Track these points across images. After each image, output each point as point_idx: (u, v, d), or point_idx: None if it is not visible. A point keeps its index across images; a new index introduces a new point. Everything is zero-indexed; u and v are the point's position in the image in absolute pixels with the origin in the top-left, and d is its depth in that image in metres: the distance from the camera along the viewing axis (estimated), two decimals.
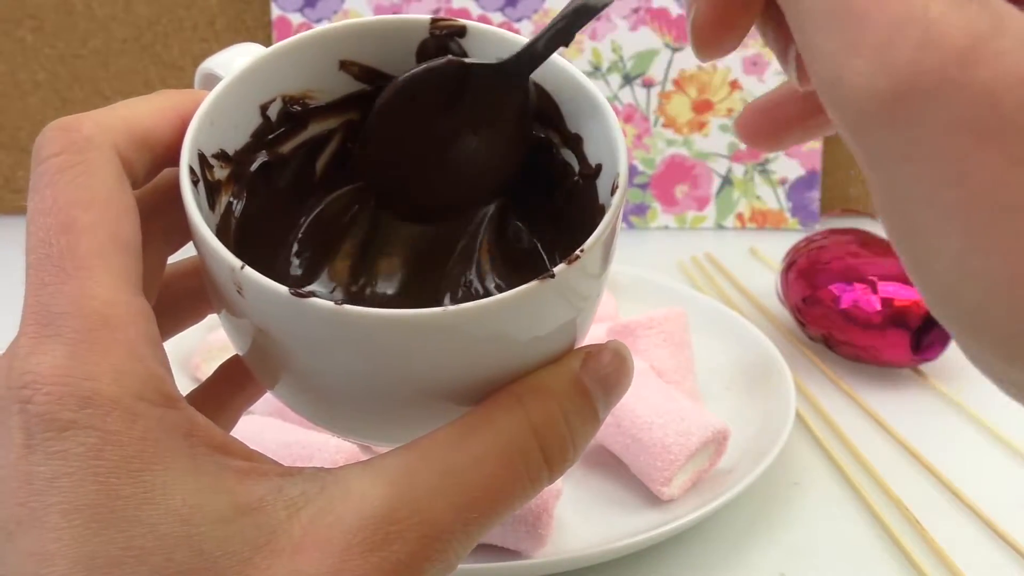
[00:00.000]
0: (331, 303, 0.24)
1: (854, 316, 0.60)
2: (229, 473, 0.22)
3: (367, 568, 0.22)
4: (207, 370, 0.56)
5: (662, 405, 0.48)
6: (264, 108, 0.31)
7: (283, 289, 0.24)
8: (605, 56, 0.84)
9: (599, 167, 0.30)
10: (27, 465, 0.21)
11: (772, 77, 0.83)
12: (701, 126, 0.84)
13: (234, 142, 0.30)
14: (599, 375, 0.25)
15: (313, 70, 0.31)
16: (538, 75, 0.30)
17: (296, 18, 0.82)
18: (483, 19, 0.83)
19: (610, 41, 0.83)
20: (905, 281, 0.59)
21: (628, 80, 0.84)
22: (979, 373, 0.48)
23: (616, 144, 0.29)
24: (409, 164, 0.31)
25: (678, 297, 0.65)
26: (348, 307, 0.24)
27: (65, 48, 0.84)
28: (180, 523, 0.21)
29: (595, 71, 0.84)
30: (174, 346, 0.57)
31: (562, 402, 0.24)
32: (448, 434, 0.24)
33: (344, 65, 0.31)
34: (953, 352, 0.60)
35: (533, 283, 0.24)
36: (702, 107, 0.84)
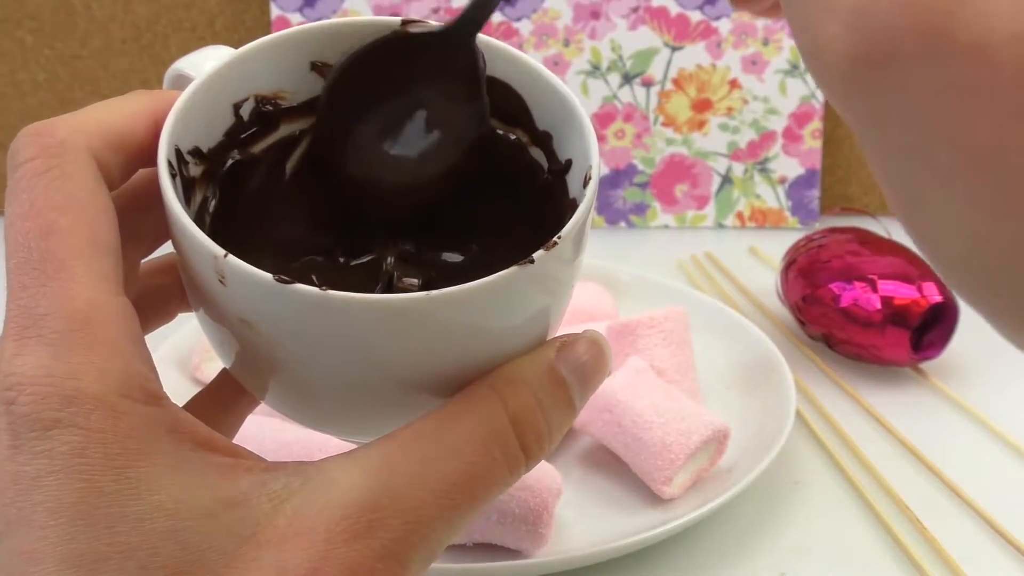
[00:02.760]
0: (315, 288, 0.24)
1: (854, 315, 0.60)
2: (213, 468, 0.23)
3: (352, 556, 0.22)
4: (207, 370, 0.55)
5: (662, 404, 0.48)
6: (237, 107, 0.31)
7: (267, 276, 0.24)
8: (604, 55, 0.83)
9: (569, 162, 0.30)
10: (14, 465, 0.22)
11: (771, 76, 0.83)
12: (701, 125, 0.84)
13: (208, 140, 0.30)
14: (574, 364, 0.25)
15: (285, 70, 0.31)
16: (506, 74, 0.31)
17: (295, 18, 0.82)
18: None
19: (609, 40, 0.83)
20: (905, 280, 0.59)
21: (627, 79, 0.84)
22: (980, 372, 0.48)
23: (586, 138, 0.29)
24: (366, 142, 0.31)
25: (678, 296, 0.65)
26: (333, 292, 0.24)
27: (64, 49, 0.84)
28: (165, 518, 0.22)
29: (594, 70, 0.84)
30: (174, 346, 0.57)
31: (537, 392, 0.25)
32: (427, 424, 0.24)
33: (315, 66, 0.32)
34: (954, 350, 0.60)
35: (513, 268, 0.25)
36: (701, 106, 0.84)
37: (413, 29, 0.31)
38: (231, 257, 0.25)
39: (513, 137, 0.32)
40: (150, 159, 0.27)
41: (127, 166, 0.27)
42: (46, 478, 0.21)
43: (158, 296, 0.30)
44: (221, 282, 0.25)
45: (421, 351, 0.25)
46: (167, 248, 0.29)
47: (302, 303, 0.24)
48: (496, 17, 0.83)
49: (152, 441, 0.22)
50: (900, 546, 0.47)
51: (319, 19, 0.82)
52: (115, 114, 0.27)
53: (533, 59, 0.31)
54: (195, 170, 0.29)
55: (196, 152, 0.29)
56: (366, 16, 0.32)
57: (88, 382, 0.22)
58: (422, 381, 0.26)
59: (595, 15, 0.83)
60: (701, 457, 0.48)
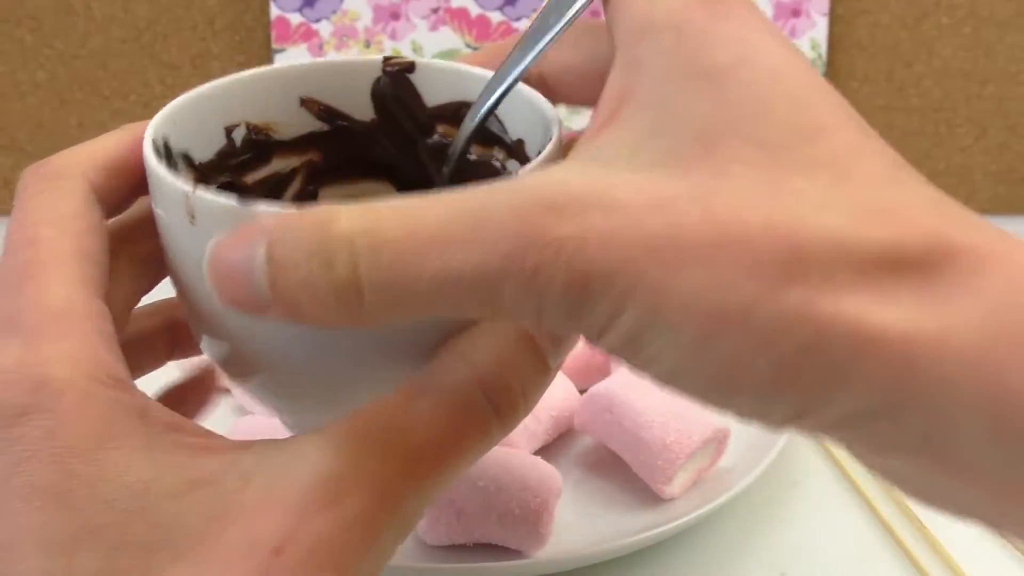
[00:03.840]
0: (280, 206, 0.23)
1: None
2: (182, 449, 0.23)
3: (321, 526, 0.22)
4: None
5: (662, 404, 0.48)
6: (229, 130, 0.31)
7: (232, 201, 0.24)
8: None
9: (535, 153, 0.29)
10: None
11: None
12: None
13: (200, 152, 0.30)
14: None
15: (275, 103, 0.32)
16: (466, 95, 0.32)
17: (295, 18, 0.82)
18: (482, 19, 0.83)
19: None
20: None
21: None
22: None
23: (547, 117, 0.28)
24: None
25: None
26: (305, 207, 0.22)
27: (64, 48, 0.84)
28: (135, 498, 0.22)
29: None
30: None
31: (507, 354, 0.25)
32: (396, 396, 0.24)
33: (304, 102, 0.33)
34: None
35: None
36: None
37: (390, 68, 0.33)
38: (199, 190, 0.24)
39: (493, 161, 0.31)
40: (145, 184, 0.28)
41: (127, 191, 0.28)
42: (21, 464, 0.22)
43: (146, 341, 0.31)
44: (191, 222, 0.25)
45: None
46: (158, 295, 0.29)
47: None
48: (495, 17, 0.83)
49: (122, 423, 0.23)
50: (901, 546, 0.47)
51: (318, 19, 0.82)
52: (109, 144, 0.28)
53: (482, 70, 0.31)
54: (184, 172, 0.30)
55: (186, 157, 0.30)
56: (351, 56, 0.36)
57: (57, 368, 0.23)
58: (396, 341, 0.25)
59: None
60: (701, 457, 0.48)
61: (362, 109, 0.34)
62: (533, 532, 0.43)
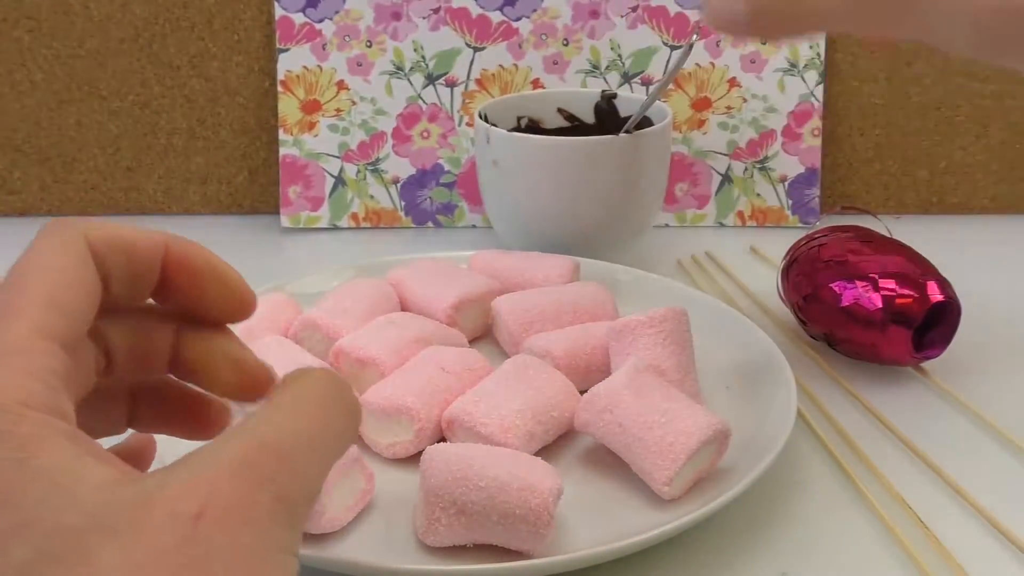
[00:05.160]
0: None
1: (855, 314, 0.60)
2: (107, 466, 0.26)
3: (233, 492, 0.25)
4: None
5: (663, 404, 0.48)
6: (519, 119, 0.67)
7: None
8: (604, 55, 0.83)
9: None
10: None
11: (770, 74, 0.83)
12: (700, 124, 0.84)
13: (502, 126, 0.68)
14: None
15: (544, 109, 0.74)
16: None
17: (299, 18, 0.82)
18: (483, 18, 0.83)
19: (608, 40, 0.83)
20: (907, 279, 0.59)
21: (627, 78, 0.84)
22: (982, 371, 0.48)
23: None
24: None
25: (678, 296, 0.64)
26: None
27: (62, 48, 0.84)
28: (65, 495, 0.24)
29: (594, 69, 0.84)
30: None
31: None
32: (271, 401, 0.29)
33: (559, 110, 0.67)
34: (956, 349, 0.60)
35: None
36: (701, 105, 0.84)
37: (604, 95, 0.65)
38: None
39: None
40: (150, 269, 0.31)
41: (129, 267, 0.30)
42: None
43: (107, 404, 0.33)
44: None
45: None
46: None
47: None
48: (495, 17, 0.83)
49: (52, 441, 0.25)
50: (902, 546, 0.47)
51: (321, 19, 0.83)
52: (125, 226, 0.31)
53: None
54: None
55: (495, 125, 0.59)
56: (583, 89, 0.68)
57: None
58: None
59: (594, 14, 0.83)
60: (702, 457, 0.48)
61: (588, 115, 0.78)
62: (533, 532, 0.43)
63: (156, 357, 0.32)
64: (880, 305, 0.59)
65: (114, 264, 0.30)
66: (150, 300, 0.32)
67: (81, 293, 0.29)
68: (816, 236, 0.65)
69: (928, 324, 0.59)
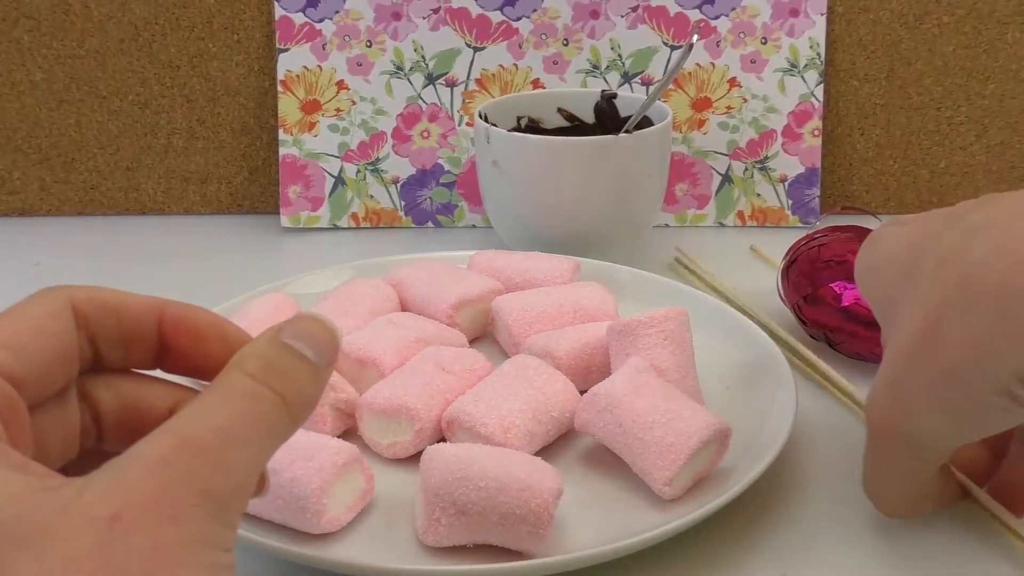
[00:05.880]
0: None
1: (856, 314, 0.60)
2: (24, 473, 0.26)
3: (153, 487, 0.25)
4: None
5: (663, 404, 0.48)
6: (519, 119, 0.72)
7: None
8: (604, 54, 0.83)
9: None
10: None
11: (770, 74, 0.83)
12: (700, 124, 0.84)
13: (502, 126, 0.73)
14: (293, 333, 0.30)
15: (544, 109, 0.78)
16: None
17: (299, 18, 0.82)
18: (483, 18, 0.83)
19: (608, 39, 0.83)
20: None
21: (627, 78, 0.84)
22: None
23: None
24: None
25: (678, 295, 0.64)
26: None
27: (62, 48, 0.84)
28: None
29: (594, 69, 0.84)
30: None
31: (266, 355, 0.29)
32: (196, 402, 0.28)
33: (559, 110, 0.68)
34: None
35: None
36: (701, 105, 0.84)
37: (604, 95, 0.73)
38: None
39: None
40: (143, 332, 0.31)
41: (120, 329, 0.31)
42: None
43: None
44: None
45: None
46: None
47: None
48: (495, 17, 0.83)
49: None
50: (902, 546, 0.47)
51: (321, 19, 0.82)
52: (117, 291, 0.31)
53: None
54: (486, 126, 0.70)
55: (494, 125, 0.67)
56: (582, 89, 0.72)
57: None
58: None
59: (594, 14, 0.83)
60: (702, 457, 0.48)
61: (588, 115, 0.78)
62: (533, 533, 0.43)
63: (153, 421, 0.32)
64: None
65: (101, 324, 0.31)
66: (160, 371, 0.33)
67: (46, 341, 0.29)
68: (816, 236, 0.65)
69: None
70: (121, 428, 0.32)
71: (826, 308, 0.61)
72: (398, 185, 0.85)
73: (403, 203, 0.85)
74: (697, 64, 0.83)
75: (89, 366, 0.31)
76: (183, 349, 0.32)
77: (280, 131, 0.84)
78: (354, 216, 0.85)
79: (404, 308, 0.64)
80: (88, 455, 0.32)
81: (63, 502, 0.24)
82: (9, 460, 0.26)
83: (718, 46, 0.83)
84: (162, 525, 0.24)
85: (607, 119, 0.78)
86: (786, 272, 0.65)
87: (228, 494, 0.26)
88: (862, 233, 0.64)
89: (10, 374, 0.28)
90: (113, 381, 0.32)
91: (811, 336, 0.64)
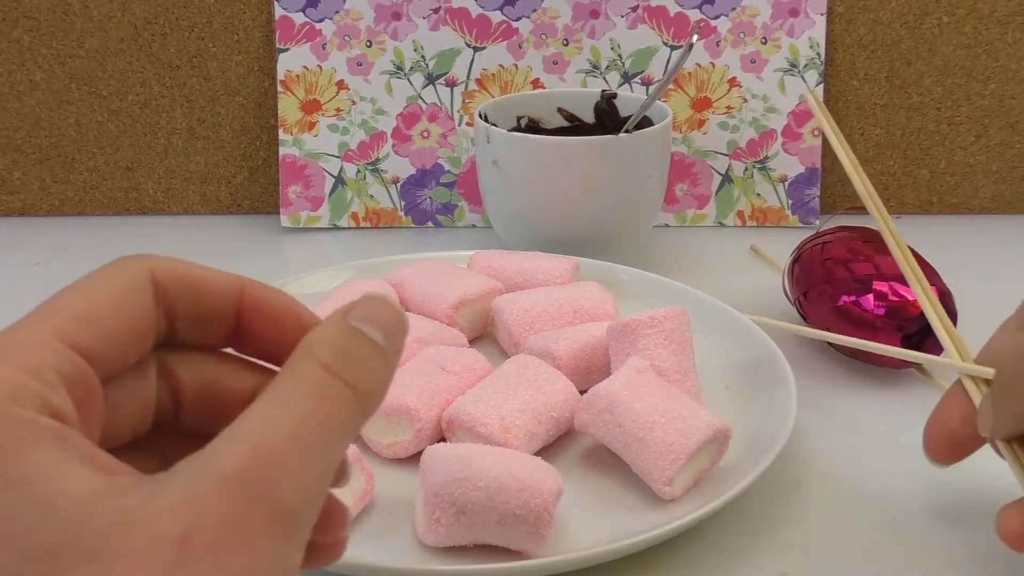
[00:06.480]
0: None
1: (849, 314, 0.59)
2: (91, 468, 0.24)
3: (222, 507, 0.24)
4: None
5: (663, 404, 0.48)
6: (519, 119, 0.72)
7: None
8: (604, 54, 0.83)
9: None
10: None
11: (770, 74, 0.83)
12: (700, 124, 0.84)
13: (502, 126, 0.74)
14: (361, 315, 0.28)
15: (543, 109, 0.79)
16: None
17: (299, 18, 0.82)
18: (483, 18, 0.83)
19: (608, 39, 0.83)
20: (903, 281, 0.59)
21: (627, 78, 0.84)
22: None
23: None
24: None
25: (678, 296, 0.64)
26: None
27: (61, 48, 0.84)
28: (39, 508, 0.23)
29: (594, 69, 0.84)
30: None
31: (336, 341, 0.28)
32: (263, 399, 0.26)
33: (559, 110, 0.70)
34: None
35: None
36: (701, 105, 0.84)
37: (604, 95, 0.76)
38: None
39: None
40: (221, 311, 0.30)
41: (197, 304, 0.30)
42: None
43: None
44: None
45: None
46: None
47: None
48: (495, 17, 0.83)
49: (35, 443, 0.24)
50: (902, 545, 0.47)
51: (321, 19, 0.82)
52: (199, 265, 0.30)
53: None
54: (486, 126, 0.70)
55: (495, 125, 0.66)
56: (583, 89, 0.73)
57: None
58: None
59: (594, 14, 0.83)
60: (702, 457, 0.48)
61: (588, 115, 0.78)
62: (533, 533, 0.43)
63: (233, 402, 0.31)
64: (873, 306, 0.59)
65: (181, 300, 0.29)
66: (230, 349, 0.32)
67: (123, 316, 0.28)
68: (823, 234, 0.65)
69: (924, 329, 0.59)
70: (200, 406, 0.31)
71: (823, 306, 0.61)
72: (398, 185, 0.85)
73: (403, 203, 0.85)
74: (697, 64, 0.83)
75: (163, 340, 0.30)
76: (259, 332, 0.31)
77: (280, 131, 0.84)
78: (354, 216, 0.85)
79: (404, 308, 0.64)
80: (162, 429, 0.31)
81: (129, 512, 0.23)
82: (79, 450, 0.25)
83: (718, 46, 0.83)
84: (232, 551, 0.23)
85: (607, 119, 0.78)
86: (791, 269, 0.65)
87: (299, 513, 0.25)
88: (867, 234, 0.64)
89: (86, 349, 0.27)
90: (195, 359, 0.31)
91: None
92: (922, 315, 0.58)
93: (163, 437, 0.31)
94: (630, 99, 0.78)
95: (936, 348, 0.59)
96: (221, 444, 0.25)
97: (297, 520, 0.25)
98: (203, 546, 0.23)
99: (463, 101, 0.84)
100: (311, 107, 0.83)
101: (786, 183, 0.85)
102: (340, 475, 0.30)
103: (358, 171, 0.84)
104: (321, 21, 0.83)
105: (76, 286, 0.28)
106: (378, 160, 0.84)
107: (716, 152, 0.85)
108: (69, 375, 0.26)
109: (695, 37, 0.74)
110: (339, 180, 0.84)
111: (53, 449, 0.24)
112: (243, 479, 0.24)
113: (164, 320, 0.30)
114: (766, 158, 0.84)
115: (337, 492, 0.33)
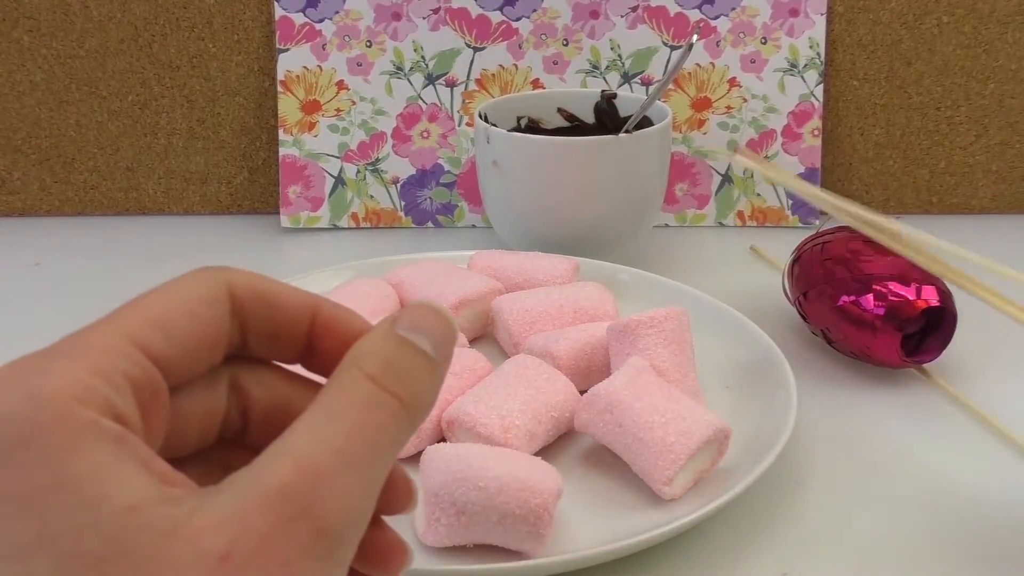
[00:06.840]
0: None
1: (849, 313, 0.59)
2: (145, 474, 0.24)
3: (264, 523, 0.23)
4: None
5: (663, 404, 0.48)
6: (519, 119, 0.73)
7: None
8: (604, 55, 0.83)
9: None
10: None
11: (770, 74, 0.83)
12: (700, 124, 0.84)
13: (502, 126, 0.73)
14: (408, 323, 0.28)
15: (543, 109, 0.79)
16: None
17: (299, 18, 0.82)
18: (482, 18, 0.83)
19: (608, 40, 0.83)
20: (904, 281, 0.59)
21: (627, 78, 0.84)
22: (982, 371, 0.48)
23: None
24: None
25: (679, 296, 0.64)
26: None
27: (61, 48, 0.84)
28: (88, 510, 0.23)
29: (594, 69, 0.84)
30: None
31: (384, 352, 0.27)
32: (310, 412, 0.26)
33: (559, 110, 0.70)
34: (956, 350, 0.60)
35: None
36: (701, 105, 0.84)
37: (604, 95, 0.74)
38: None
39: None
40: (294, 328, 0.30)
41: (271, 320, 0.30)
42: None
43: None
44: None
45: None
46: None
47: None
48: (495, 17, 0.83)
49: (93, 443, 0.24)
50: (902, 545, 0.47)
51: (321, 20, 0.82)
52: (276, 281, 0.30)
53: None
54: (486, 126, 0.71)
55: (494, 125, 0.62)
56: (583, 89, 0.73)
57: (51, 382, 0.24)
58: None
59: (594, 14, 0.83)
60: (702, 457, 0.48)
61: (588, 116, 0.78)
62: (533, 533, 0.43)
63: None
64: (873, 306, 0.59)
65: (255, 315, 0.29)
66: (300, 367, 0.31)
67: (197, 324, 0.28)
68: (823, 234, 0.65)
69: (925, 329, 0.59)
70: (267, 423, 0.31)
71: (822, 306, 0.61)
72: (398, 185, 0.85)
73: (403, 203, 0.85)
74: (697, 64, 0.83)
75: (235, 353, 0.30)
76: (331, 352, 0.30)
77: (280, 131, 0.84)
78: (354, 216, 0.85)
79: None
80: (228, 443, 0.31)
81: (175, 523, 0.23)
82: (136, 455, 0.24)
83: (718, 46, 0.83)
84: (271, 569, 0.23)
85: (607, 119, 0.78)
86: (791, 268, 0.65)
87: (342, 530, 0.25)
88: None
89: (157, 355, 0.27)
90: (266, 376, 0.31)
91: (812, 333, 0.64)
92: (922, 315, 0.58)
93: (228, 451, 0.30)
94: (630, 99, 0.78)
95: (936, 351, 0.59)
96: (266, 459, 0.25)
97: (340, 537, 0.25)
98: (244, 563, 0.23)
99: (463, 101, 0.84)
100: (311, 107, 0.83)
101: None
102: (406, 498, 0.30)
103: (358, 171, 0.84)
104: (321, 21, 0.83)
105: (153, 292, 0.28)
106: (378, 160, 0.84)
107: (716, 152, 0.85)
108: (137, 379, 0.26)
109: (695, 37, 0.74)
110: (339, 180, 0.84)
111: (110, 452, 0.24)
112: (285, 495, 0.24)
113: (238, 333, 0.29)
114: (766, 158, 0.84)
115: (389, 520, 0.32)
